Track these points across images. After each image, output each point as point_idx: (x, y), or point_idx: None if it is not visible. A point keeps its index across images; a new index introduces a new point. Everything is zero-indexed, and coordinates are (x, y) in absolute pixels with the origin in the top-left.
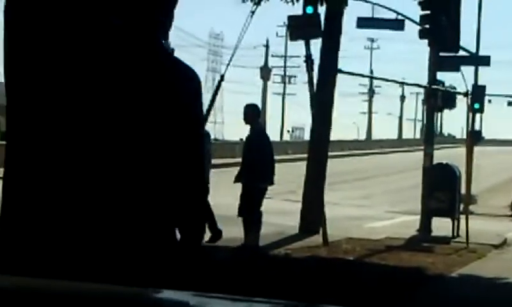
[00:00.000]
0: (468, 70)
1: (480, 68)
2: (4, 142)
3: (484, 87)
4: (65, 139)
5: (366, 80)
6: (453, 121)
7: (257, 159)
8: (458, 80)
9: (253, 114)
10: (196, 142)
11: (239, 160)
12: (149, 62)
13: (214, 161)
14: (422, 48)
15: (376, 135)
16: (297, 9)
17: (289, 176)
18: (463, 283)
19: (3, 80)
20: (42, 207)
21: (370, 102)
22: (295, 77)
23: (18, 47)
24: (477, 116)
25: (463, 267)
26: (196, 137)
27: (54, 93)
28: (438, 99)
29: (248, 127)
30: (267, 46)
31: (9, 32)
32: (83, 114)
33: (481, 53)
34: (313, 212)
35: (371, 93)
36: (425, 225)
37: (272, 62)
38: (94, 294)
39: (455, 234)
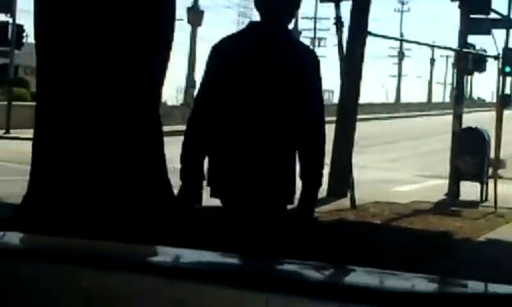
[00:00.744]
0: (499, 33)
1: (511, 31)
2: (34, 104)
3: None
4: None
5: (396, 43)
6: (483, 85)
7: None
8: (489, 43)
9: None
10: (313, 98)
11: None
12: (284, 45)
13: None
14: (453, 11)
15: (405, 99)
16: None
17: None
18: (490, 247)
19: (33, 41)
20: (73, 167)
21: (399, 64)
22: (325, 39)
23: (50, 11)
24: (508, 79)
25: (491, 232)
26: (314, 93)
27: (83, 58)
28: (468, 62)
29: None
30: None
31: None
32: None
33: None
34: (341, 175)
35: (401, 55)
36: (454, 189)
37: (302, 24)
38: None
39: (483, 198)
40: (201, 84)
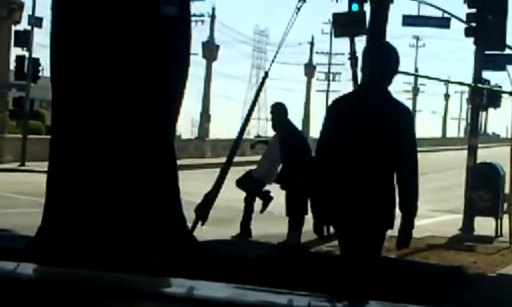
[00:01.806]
0: None
1: None
2: (49, 137)
3: None
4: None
5: (411, 78)
6: (498, 120)
7: (293, 159)
8: (504, 79)
9: (283, 111)
10: (411, 146)
11: None
12: (386, 102)
13: (259, 157)
14: (468, 47)
15: (419, 134)
16: (343, 7)
17: None
18: (505, 283)
19: (49, 75)
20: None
21: (414, 99)
22: (339, 74)
23: (65, 44)
24: None
25: (506, 267)
26: (411, 142)
27: (98, 92)
28: (483, 98)
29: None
30: (312, 43)
31: (56, 32)
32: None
33: None
34: None
35: (415, 90)
36: (468, 224)
37: (316, 59)
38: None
39: (498, 233)
40: (323, 129)
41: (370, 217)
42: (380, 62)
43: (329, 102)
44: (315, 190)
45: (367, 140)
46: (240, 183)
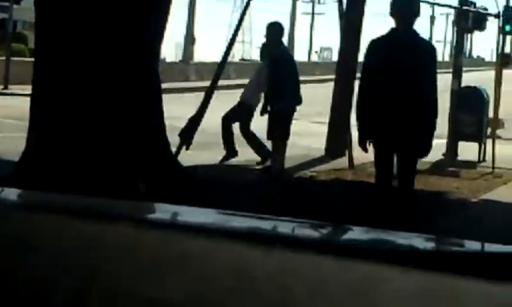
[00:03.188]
0: None
1: None
2: (32, 59)
3: None
4: (93, 57)
5: None
6: (483, 44)
7: (283, 83)
8: (490, 1)
9: (277, 33)
10: (433, 77)
11: None
12: (418, 40)
13: (243, 81)
14: None
15: None
16: None
17: (316, 97)
18: (486, 208)
19: None
20: (71, 123)
21: None
22: None
23: None
24: (508, 38)
25: (488, 192)
26: (434, 74)
27: (82, 13)
28: (468, 20)
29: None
30: None
31: None
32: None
33: None
34: (339, 134)
35: None
36: (452, 149)
37: None
38: None
39: (481, 158)
40: (365, 63)
41: (409, 130)
42: (410, 9)
43: (369, 41)
44: (363, 109)
45: (406, 69)
46: (228, 118)
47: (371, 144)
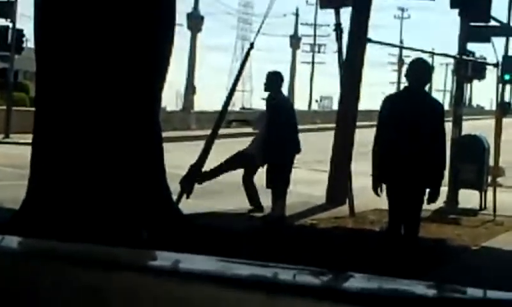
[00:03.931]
0: (499, 41)
1: (511, 38)
2: (33, 109)
3: None
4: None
5: (395, 50)
6: (482, 93)
7: (282, 131)
8: (489, 50)
9: (276, 82)
10: (442, 131)
11: None
12: (429, 99)
13: (244, 130)
14: (453, 19)
15: None
16: None
17: (317, 145)
18: (488, 256)
19: (33, 46)
20: (72, 172)
21: (399, 71)
22: (324, 45)
23: (50, 14)
24: (507, 87)
25: (490, 240)
26: (442, 128)
27: (83, 64)
28: (467, 69)
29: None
30: (296, 14)
31: (40, 2)
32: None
33: None
34: (340, 182)
35: (400, 62)
36: (452, 197)
37: (302, 30)
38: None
39: (482, 206)
40: (380, 118)
41: (419, 178)
42: (423, 75)
43: (384, 97)
44: (378, 158)
45: (417, 123)
46: (246, 176)
47: (383, 190)
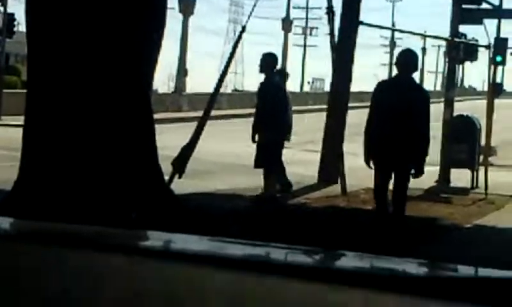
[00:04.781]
0: (491, 23)
1: (503, 20)
2: (24, 91)
3: (506, 39)
4: (84, 89)
5: (387, 33)
6: (474, 74)
7: (272, 111)
8: (481, 32)
9: (270, 63)
10: (427, 114)
11: None
12: (416, 86)
13: (236, 111)
14: (445, 1)
15: None
16: None
17: (309, 126)
18: (480, 234)
19: (24, 30)
20: (63, 153)
21: (391, 54)
22: (316, 28)
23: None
24: (499, 68)
25: (481, 218)
26: (427, 112)
27: (75, 45)
28: (459, 51)
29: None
30: None
31: None
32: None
33: (504, 6)
34: (331, 162)
35: (392, 45)
36: (444, 176)
37: (293, 13)
38: None
39: (474, 185)
40: (372, 101)
41: (405, 154)
42: (411, 64)
43: (377, 83)
44: (369, 136)
45: (405, 107)
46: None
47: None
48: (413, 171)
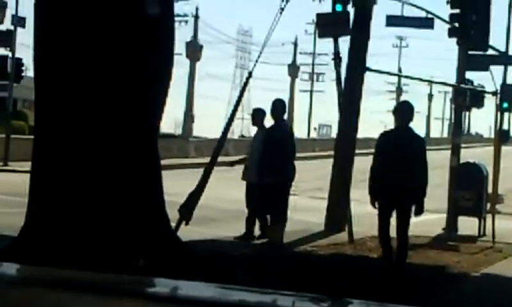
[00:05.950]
0: (497, 69)
1: (509, 67)
2: (32, 137)
3: None
4: (91, 137)
5: (394, 78)
6: (481, 121)
7: (281, 156)
8: (487, 79)
9: (280, 109)
10: (423, 159)
11: None
12: (412, 134)
13: (241, 156)
14: (451, 47)
15: None
16: (327, 7)
17: (316, 173)
18: (487, 283)
19: (32, 75)
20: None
21: (397, 100)
22: (323, 74)
23: (49, 44)
24: (506, 115)
25: (489, 267)
26: (423, 156)
27: (82, 92)
28: (466, 98)
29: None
30: (295, 43)
31: (40, 31)
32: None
33: (511, 52)
34: (339, 209)
35: (399, 91)
36: (452, 223)
37: (300, 59)
38: None
39: (481, 233)
40: (376, 149)
41: (405, 194)
42: (409, 115)
43: (379, 134)
44: (374, 180)
45: (404, 153)
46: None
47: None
48: (413, 210)
